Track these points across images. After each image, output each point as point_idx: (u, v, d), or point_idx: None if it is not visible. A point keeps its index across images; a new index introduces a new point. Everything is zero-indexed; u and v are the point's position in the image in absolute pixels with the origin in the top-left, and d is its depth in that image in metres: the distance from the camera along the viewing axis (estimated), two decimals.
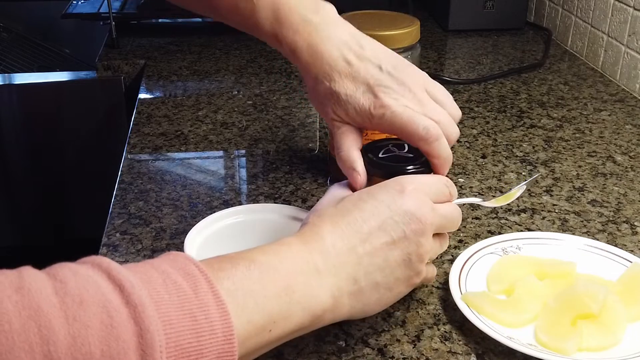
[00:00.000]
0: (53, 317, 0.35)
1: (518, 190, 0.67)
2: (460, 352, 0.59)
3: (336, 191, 0.60)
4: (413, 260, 0.53)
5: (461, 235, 0.76)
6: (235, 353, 0.41)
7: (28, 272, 0.37)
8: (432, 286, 0.67)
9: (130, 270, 0.40)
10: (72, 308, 0.36)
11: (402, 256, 0.53)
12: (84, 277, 0.38)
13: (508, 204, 0.81)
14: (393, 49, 0.79)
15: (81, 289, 0.37)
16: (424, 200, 0.54)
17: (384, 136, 0.67)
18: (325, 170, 0.87)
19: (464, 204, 0.63)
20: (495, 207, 0.79)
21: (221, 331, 0.41)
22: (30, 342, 0.34)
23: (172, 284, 0.41)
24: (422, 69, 1.26)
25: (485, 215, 0.79)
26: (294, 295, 0.47)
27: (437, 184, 0.58)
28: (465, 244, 0.74)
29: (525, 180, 0.65)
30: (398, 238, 0.52)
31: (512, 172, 0.89)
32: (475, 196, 0.83)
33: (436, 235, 0.57)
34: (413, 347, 0.60)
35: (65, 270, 0.38)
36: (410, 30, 0.79)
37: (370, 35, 0.78)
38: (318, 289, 0.49)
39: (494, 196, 0.81)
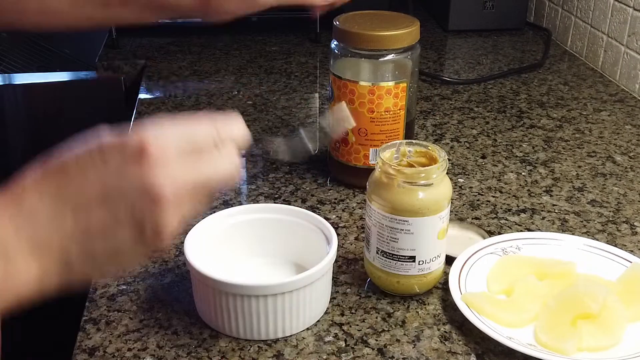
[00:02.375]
0: None
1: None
2: (460, 352, 0.59)
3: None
4: (147, 236, 0.43)
5: None
6: None
7: None
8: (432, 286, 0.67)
9: None
10: None
11: (130, 234, 0.42)
12: None
13: (508, 205, 0.81)
14: (392, 49, 0.79)
15: None
16: (163, 169, 0.42)
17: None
18: (326, 170, 0.87)
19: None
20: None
21: None
22: None
23: None
24: (422, 69, 1.26)
25: (484, 215, 0.79)
26: None
27: (185, 135, 0.46)
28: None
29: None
30: (124, 215, 0.42)
31: (511, 172, 0.89)
32: (476, 196, 0.83)
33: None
34: (413, 347, 0.60)
35: None
36: (410, 31, 0.79)
37: (370, 36, 0.78)
38: (10, 281, 0.40)
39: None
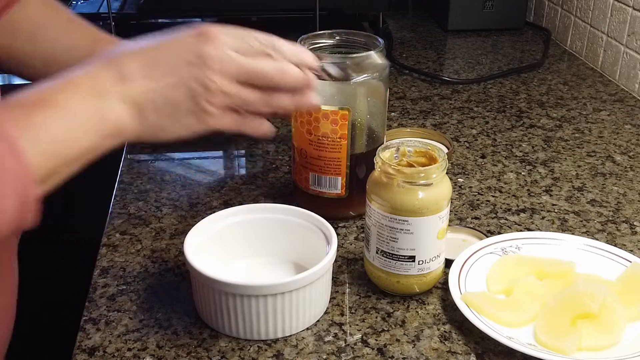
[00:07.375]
0: None
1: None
2: (460, 352, 0.59)
3: None
4: (197, 98, 0.56)
5: None
6: (31, 179, 0.49)
7: None
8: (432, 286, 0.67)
9: None
10: None
11: (185, 93, 0.56)
12: None
13: (508, 205, 0.81)
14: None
15: None
16: (220, 48, 0.57)
17: None
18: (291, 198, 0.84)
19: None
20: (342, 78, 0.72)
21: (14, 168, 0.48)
22: None
23: None
24: (422, 69, 1.25)
25: (484, 215, 0.80)
26: (78, 122, 0.53)
27: (245, 37, 0.59)
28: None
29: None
30: (184, 77, 0.56)
31: (511, 171, 0.89)
32: (475, 196, 0.84)
33: (252, 86, 0.58)
34: (413, 347, 0.60)
35: None
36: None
37: None
38: (102, 111, 0.54)
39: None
